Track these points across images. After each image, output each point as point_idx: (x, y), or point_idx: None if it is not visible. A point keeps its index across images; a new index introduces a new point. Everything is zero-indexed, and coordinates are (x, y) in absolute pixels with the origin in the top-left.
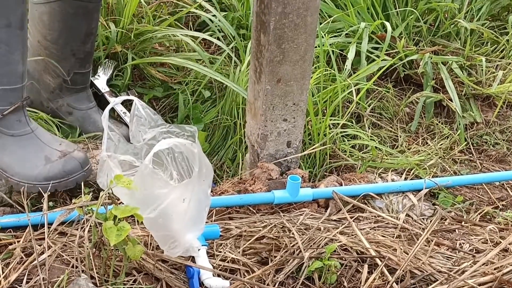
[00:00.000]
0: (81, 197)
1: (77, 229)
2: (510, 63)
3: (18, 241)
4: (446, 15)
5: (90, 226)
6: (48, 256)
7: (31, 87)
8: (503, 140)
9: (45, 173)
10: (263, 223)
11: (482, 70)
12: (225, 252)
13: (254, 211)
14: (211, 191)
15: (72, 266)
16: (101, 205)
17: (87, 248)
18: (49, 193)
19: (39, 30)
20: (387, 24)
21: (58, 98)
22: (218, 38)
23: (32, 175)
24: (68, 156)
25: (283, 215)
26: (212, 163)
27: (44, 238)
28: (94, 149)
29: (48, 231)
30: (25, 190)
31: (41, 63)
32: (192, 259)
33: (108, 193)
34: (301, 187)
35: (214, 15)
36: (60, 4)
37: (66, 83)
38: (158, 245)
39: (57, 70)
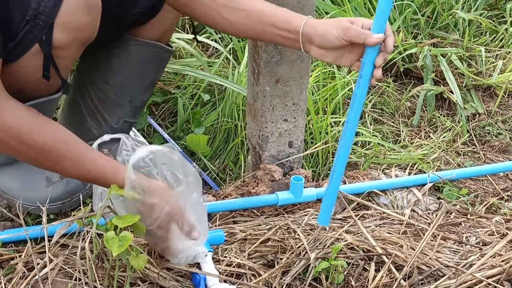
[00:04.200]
0: (80, 209)
1: (78, 241)
2: (509, 52)
3: (20, 256)
4: (444, 6)
5: (92, 237)
6: (50, 269)
7: None
8: (506, 130)
9: (47, 195)
10: (267, 225)
11: (482, 60)
12: (230, 257)
13: (258, 213)
14: (214, 196)
15: (75, 279)
16: (102, 216)
17: (90, 260)
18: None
19: (101, 73)
20: None
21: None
22: (215, 40)
23: (34, 198)
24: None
25: (288, 216)
26: (214, 167)
27: (46, 252)
28: None
29: (49, 245)
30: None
31: (88, 108)
32: (198, 266)
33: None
34: (304, 187)
35: None
36: (139, 49)
37: (112, 131)
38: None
39: (106, 117)
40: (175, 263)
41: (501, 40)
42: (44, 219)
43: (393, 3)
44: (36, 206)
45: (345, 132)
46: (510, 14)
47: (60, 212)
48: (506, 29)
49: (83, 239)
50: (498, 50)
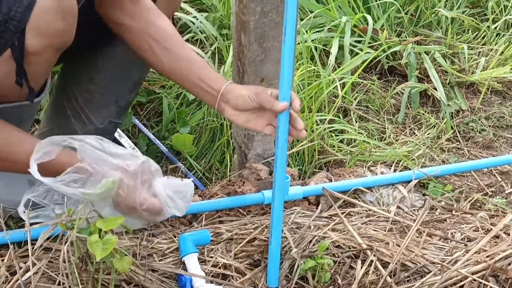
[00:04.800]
0: (64, 212)
1: (62, 244)
2: (492, 49)
3: (2, 260)
4: (427, 4)
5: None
6: (33, 273)
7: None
8: (489, 126)
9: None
10: (254, 224)
11: (465, 57)
12: (216, 257)
13: (245, 213)
14: (200, 195)
15: (59, 283)
16: (85, 219)
17: (72, 264)
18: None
19: (86, 73)
20: (368, 17)
21: None
22: (200, 40)
23: (16, 201)
24: None
25: None
26: (200, 166)
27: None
28: None
29: (33, 248)
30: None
31: (73, 108)
32: (184, 267)
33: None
34: (290, 186)
35: (195, 17)
36: (125, 48)
37: (96, 132)
38: (147, 255)
39: (91, 117)
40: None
41: (483, 38)
42: (27, 222)
43: (293, 72)
44: (14, 209)
45: (274, 191)
46: (492, 11)
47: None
48: (488, 27)
49: (66, 243)
50: (481, 48)
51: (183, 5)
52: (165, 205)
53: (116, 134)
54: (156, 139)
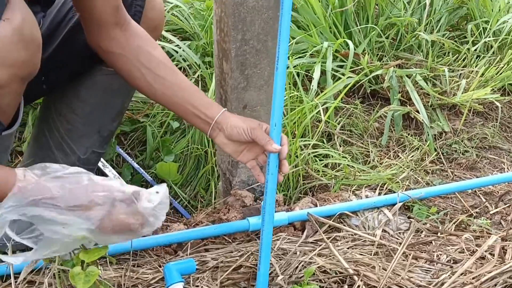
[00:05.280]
0: None
1: (44, 277)
2: (472, 71)
3: None
4: (407, 28)
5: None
6: None
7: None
8: (472, 147)
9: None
10: (239, 252)
11: (446, 80)
12: (202, 286)
13: (230, 240)
14: (185, 224)
15: None
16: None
17: None
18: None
19: (68, 103)
20: (350, 42)
21: None
22: (183, 68)
23: None
24: None
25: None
26: (185, 194)
27: None
28: None
29: (16, 283)
30: None
31: (55, 139)
32: None
33: None
34: (276, 211)
35: (177, 45)
36: (107, 78)
37: (79, 162)
38: (132, 285)
39: (74, 147)
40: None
41: (463, 60)
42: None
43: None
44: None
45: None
46: (471, 34)
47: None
48: (468, 49)
49: (48, 275)
50: (461, 70)
51: (166, 34)
52: (147, 211)
53: (100, 164)
54: (141, 168)
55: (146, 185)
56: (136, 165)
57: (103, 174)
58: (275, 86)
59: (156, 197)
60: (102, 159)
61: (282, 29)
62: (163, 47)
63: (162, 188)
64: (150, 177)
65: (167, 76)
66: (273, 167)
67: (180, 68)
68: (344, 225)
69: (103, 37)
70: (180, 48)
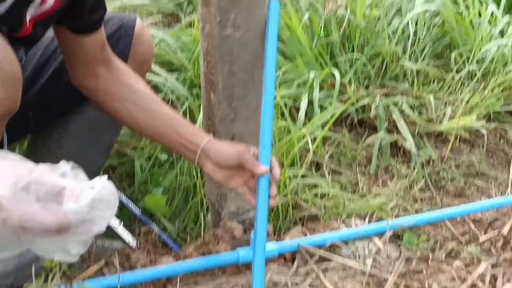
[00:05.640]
0: (32, 282)
1: None
2: (457, 99)
3: None
4: (392, 58)
5: None
6: None
7: None
8: (460, 174)
9: None
10: (229, 284)
11: (432, 108)
12: None
13: (220, 272)
14: (175, 257)
15: None
16: None
17: None
18: None
19: (56, 138)
20: (336, 71)
21: None
22: (171, 100)
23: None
24: None
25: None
26: (174, 227)
27: None
28: None
29: None
30: None
31: None
32: None
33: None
34: (266, 242)
35: (165, 78)
36: (96, 113)
37: None
38: None
39: None
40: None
41: (448, 88)
42: None
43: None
44: None
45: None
46: (455, 62)
47: (13, 286)
48: (453, 77)
49: None
50: (447, 97)
51: (153, 66)
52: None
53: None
54: (129, 202)
55: (135, 218)
56: (124, 199)
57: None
58: (263, 109)
59: (87, 195)
60: None
61: (268, 57)
62: (150, 80)
63: (100, 182)
64: (138, 211)
65: (151, 107)
66: (262, 192)
67: (168, 101)
68: (335, 255)
69: (89, 75)
70: (167, 80)
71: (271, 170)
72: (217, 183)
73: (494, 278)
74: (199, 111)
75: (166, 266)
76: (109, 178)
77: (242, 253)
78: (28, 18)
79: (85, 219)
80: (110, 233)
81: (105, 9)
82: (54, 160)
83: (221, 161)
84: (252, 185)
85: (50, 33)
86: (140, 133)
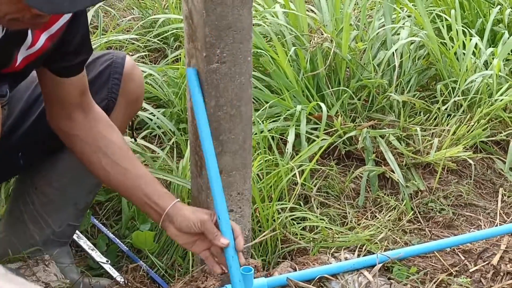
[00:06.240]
0: None
1: None
2: (444, 129)
3: None
4: (378, 90)
5: None
6: None
7: (6, 239)
8: (448, 205)
9: None
10: None
11: (419, 139)
12: None
13: None
14: None
15: None
16: None
17: None
18: None
19: (44, 176)
20: (322, 104)
21: (36, 254)
22: (158, 135)
23: None
24: None
25: None
26: (162, 263)
27: None
28: (34, 265)
29: None
30: None
31: (30, 213)
32: None
33: None
34: (254, 277)
35: (152, 113)
36: None
37: (54, 236)
38: None
39: (49, 221)
40: None
41: (435, 119)
42: None
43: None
44: None
45: None
46: (441, 94)
47: None
48: (439, 108)
49: None
50: (433, 129)
51: None
52: None
53: (75, 236)
54: (116, 238)
55: (122, 255)
56: (111, 235)
57: (77, 246)
58: (211, 182)
59: None
60: (77, 231)
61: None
62: (137, 116)
63: None
64: (125, 247)
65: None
66: (229, 260)
67: (155, 136)
68: None
69: (64, 118)
70: (154, 116)
71: (234, 239)
72: (181, 246)
73: None
74: (186, 146)
75: None
76: (96, 214)
77: None
78: (20, 58)
79: None
80: (98, 270)
81: (89, 53)
82: (42, 197)
83: (183, 228)
84: (215, 251)
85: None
86: (108, 186)
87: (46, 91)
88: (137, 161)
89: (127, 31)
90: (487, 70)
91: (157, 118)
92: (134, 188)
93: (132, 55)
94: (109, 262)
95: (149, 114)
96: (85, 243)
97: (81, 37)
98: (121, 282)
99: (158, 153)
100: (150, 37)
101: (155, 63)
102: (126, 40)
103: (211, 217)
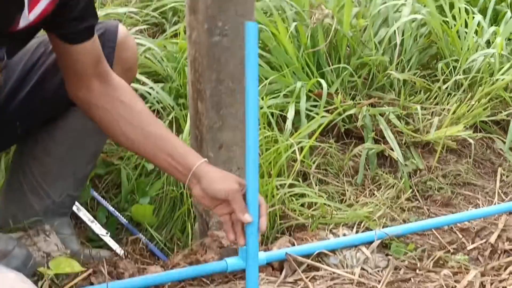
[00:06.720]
0: None
1: None
2: (444, 109)
3: None
4: (379, 68)
5: None
6: None
7: (6, 210)
8: (447, 184)
9: None
10: None
11: (419, 118)
12: None
13: (208, 281)
14: (162, 266)
15: None
16: None
17: None
18: None
19: (43, 145)
20: (323, 81)
21: (37, 224)
22: (157, 110)
23: None
24: (9, 256)
25: (238, 283)
26: (161, 236)
27: None
28: (35, 235)
29: None
30: None
31: (29, 183)
32: None
33: None
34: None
35: (151, 87)
36: (82, 119)
37: (54, 205)
38: None
39: (48, 191)
40: None
41: (435, 98)
42: None
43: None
44: None
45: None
46: (442, 72)
47: None
48: (439, 87)
49: None
50: (433, 108)
51: (139, 76)
52: None
53: (74, 208)
54: (116, 211)
55: (122, 227)
56: (111, 208)
57: (77, 218)
58: (247, 156)
59: None
60: (76, 203)
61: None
62: (136, 89)
63: None
64: (125, 220)
65: (144, 126)
66: (249, 236)
67: (153, 111)
68: (323, 264)
69: (81, 88)
70: (153, 90)
71: (259, 217)
72: (203, 206)
73: (482, 286)
74: (185, 121)
75: (155, 274)
76: (96, 187)
77: (230, 262)
78: (21, 23)
79: None
80: (98, 242)
81: (95, 19)
82: (40, 168)
83: (209, 191)
84: (235, 218)
85: (34, 40)
86: (131, 150)
87: (61, 63)
88: (159, 123)
89: (125, 5)
90: (489, 49)
91: (156, 92)
92: (157, 150)
93: (130, 29)
94: (109, 234)
95: (149, 88)
96: (84, 215)
97: (84, 3)
98: (120, 254)
99: (163, 120)
100: (149, 11)
101: (153, 38)
102: (125, 13)
103: (240, 187)
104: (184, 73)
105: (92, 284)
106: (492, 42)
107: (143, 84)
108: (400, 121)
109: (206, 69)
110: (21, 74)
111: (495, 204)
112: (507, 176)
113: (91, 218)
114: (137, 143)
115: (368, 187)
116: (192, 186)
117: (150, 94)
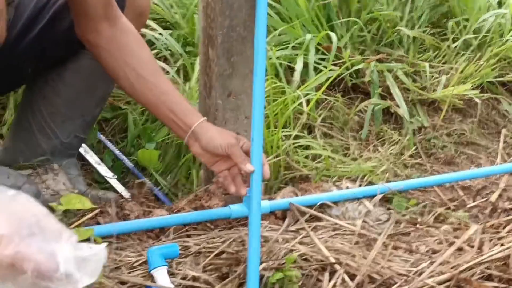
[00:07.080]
0: None
1: None
2: (452, 68)
3: None
4: (389, 24)
5: None
6: None
7: (14, 148)
8: (450, 142)
9: None
10: (221, 238)
11: (426, 76)
12: (185, 270)
13: (212, 227)
14: (167, 210)
15: None
16: None
17: None
18: None
19: (52, 86)
20: (332, 35)
21: (46, 163)
22: (165, 56)
23: None
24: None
25: (242, 229)
26: (166, 182)
27: None
28: (43, 173)
29: None
30: None
31: (38, 122)
32: (152, 280)
33: None
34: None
35: (160, 34)
36: (92, 62)
37: (62, 146)
38: (116, 267)
39: (56, 131)
40: None
41: (444, 57)
42: None
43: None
44: None
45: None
46: (451, 31)
47: None
48: (448, 46)
49: None
50: (441, 66)
51: (148, 21)
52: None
53: (81, 150)
54: (122, 155)
55: (127, 171)
56: (117, 152)
57: (83, 160)
58: (254, 105)
59: (83, 251)
60: (84, 145)
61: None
62: (144, 35)
63: (99, 248)
64: (131, 164)
65: (149, 76)
66: (253, 185)
67: (161, 57)
68: (325, 215)
69: (90, 30)
70: (162, 36)
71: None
72: (202, 162)
73: (481, 242)
74: (193, 69)
75: (160, 217)
76: (103, 131)
77: (234, 208)
78: None
79: (69, 273)
80: (103, 184)
81: None
82: (49, 108)
83: (209, 148)
84: (234, 172)
85: None
86: (134, 98)
87: (72, 3)
88: (164, 77)
89: None
90: (500, 9)
91: (165, 38)
92: (160, 103)
93: None
94: (115, 177)
95: (157, 34)
96: (91, 157)
97: None
98: (127, 197)
99: (167, 71)
100: None
101: None
102: None
103: (238, 141)
104: (193, 21)
105: (98, 223)
106: (504, 3)
107: (152, 29)
108: (407, 78)
109: (219, 15)
110: (33, 13)
111: (497, 164)
112: (510, 138)
113: (98, 160)
114: (141, 93)
115: (372, 143)
116: (191, 144)
117: (157, 40)
